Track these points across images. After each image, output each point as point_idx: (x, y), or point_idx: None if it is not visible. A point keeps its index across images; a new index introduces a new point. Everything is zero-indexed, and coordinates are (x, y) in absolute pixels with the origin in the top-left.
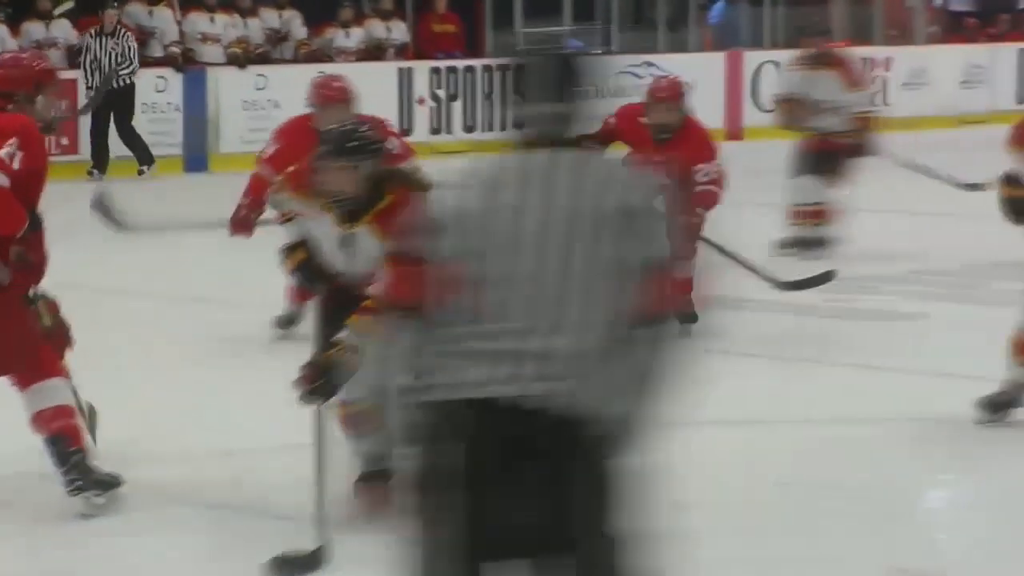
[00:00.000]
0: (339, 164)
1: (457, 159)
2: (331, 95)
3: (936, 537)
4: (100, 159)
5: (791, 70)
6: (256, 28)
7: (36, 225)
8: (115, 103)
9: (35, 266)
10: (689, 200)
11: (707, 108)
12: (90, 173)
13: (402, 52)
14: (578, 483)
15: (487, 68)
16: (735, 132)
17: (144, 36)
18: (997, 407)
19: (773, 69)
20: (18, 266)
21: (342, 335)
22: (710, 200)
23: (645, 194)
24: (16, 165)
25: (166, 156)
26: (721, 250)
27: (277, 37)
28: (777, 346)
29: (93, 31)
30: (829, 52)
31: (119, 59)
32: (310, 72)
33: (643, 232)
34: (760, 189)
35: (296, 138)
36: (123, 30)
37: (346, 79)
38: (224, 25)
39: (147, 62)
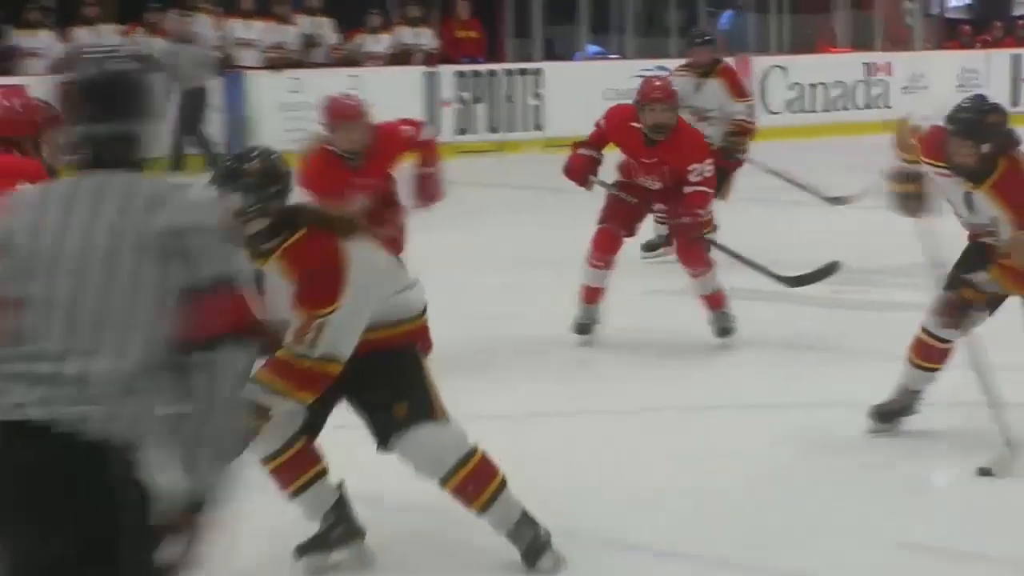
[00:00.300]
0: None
1: (481, 157)
2: (345, 113)
3: (939, 515)
4: (177, 157)
5: (677, 76)
6: (290, 34)
7: None
8: (189, 105)
9: None
10: (684, 201)
11: None
12: (168, 170)
13: (428, 57)
14: (104, 510)
15: (508, 72)
16: None
17: (189, 41)
18: (888, 416)
19: (779, 73)
20: None
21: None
22: (703, 200)
23: (199, 215)
24: None
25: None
26: (724, 249)
27: (310, 42)
28: (786, 337)
29: (170, 38)
30: (717, 61)
31: (197, 66)
32: (341, 76)
33: (195, 253)
34: (771, 187)
35: (321, 169)
36: (199, 37)
37: (357, 96)
38: (260, 31)
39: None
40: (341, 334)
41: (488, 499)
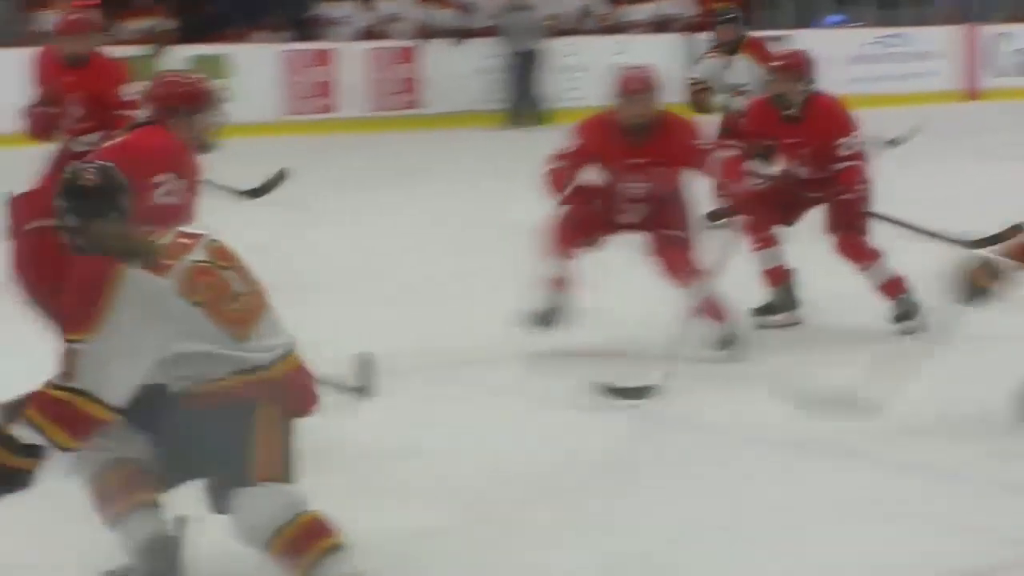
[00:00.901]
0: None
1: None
2: (630, 85)
3: None
4: (521, 114)
5: (708, 56)
6: (565, 4)
7: None
8: (520, 66)
9: None
10: (838, 180)
11: (948, 74)
12: (512, 125)
13: (686, 24)
14: None
15: (761, 38)
16: (974, 94)
17: (468, 12)
18: None
19: (1006, 39)
20: None
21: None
22: (855, 176)
23: None
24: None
25: (493, 111)
26: (889, 219)
27: (582, 13)
28: None
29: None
30: (742, 37)
31: (529, 30)
32: (609, 42)
33: None
34: (997, 144)
35: (596, 133)
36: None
37: (652, 69)
38: (540, 2)
39: (474, 34)
40: (96, 371)
41: (309, 567)
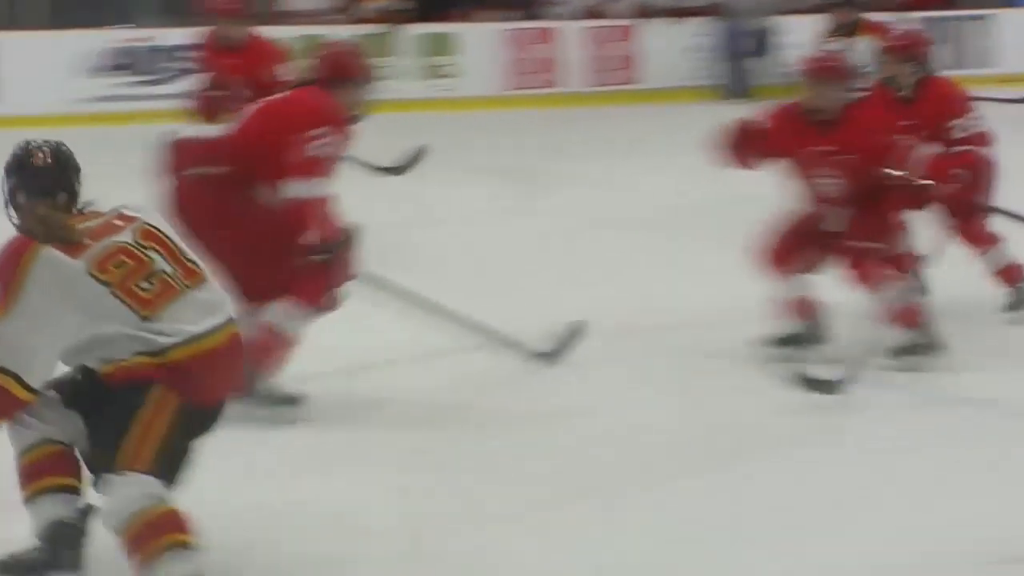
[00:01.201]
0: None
1: None
2: (816, 71)
3: None
4: (738, 90)
5: (828, 40)
6: None
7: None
8: (745, 44)
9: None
10: (947, 162)
11: None
12: (727, 100)
13: (899, 4)
14: None
15: (969, 17)
16: None
17: None
18: None
19: None
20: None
21: None
22: (969, 160)
23: None
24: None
25: (707, 87)
26: (1006, 214)
27: None
28: None
29: None
30: (861, 19)
31: (758, 6)
32: (808, 21)
33: None
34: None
35: (782, 119)
36: None
37: (842, 56)
38: None
39: (689, 13)
40: (11, 349)
41: (148, 559)
